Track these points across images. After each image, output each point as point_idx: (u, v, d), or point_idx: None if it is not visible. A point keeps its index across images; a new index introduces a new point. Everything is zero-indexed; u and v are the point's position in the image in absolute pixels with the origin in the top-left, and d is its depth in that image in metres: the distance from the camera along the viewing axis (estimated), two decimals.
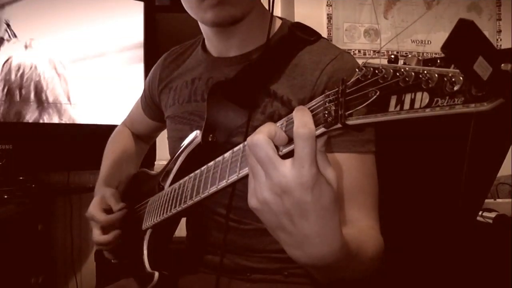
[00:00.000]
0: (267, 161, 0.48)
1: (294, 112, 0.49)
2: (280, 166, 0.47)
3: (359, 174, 0.78)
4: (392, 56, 0.39)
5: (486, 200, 1.79)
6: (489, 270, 1.38)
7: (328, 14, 2.65)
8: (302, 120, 0.47)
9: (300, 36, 0.86)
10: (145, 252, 0.84)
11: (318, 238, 0.48)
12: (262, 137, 0.48)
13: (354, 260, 0.58)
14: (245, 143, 0.55)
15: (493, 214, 1.69)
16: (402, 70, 0.36)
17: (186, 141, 0.86)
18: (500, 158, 0.91)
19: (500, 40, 2.80)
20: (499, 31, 2.81)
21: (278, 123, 0.52)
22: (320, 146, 0.48)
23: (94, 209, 0.97)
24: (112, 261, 1.02)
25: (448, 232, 0.94)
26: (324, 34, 2.58)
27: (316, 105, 0.48)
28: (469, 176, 0.88)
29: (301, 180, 0.46)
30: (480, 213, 1.68)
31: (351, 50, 2.57)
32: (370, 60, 0.41)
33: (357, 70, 0.42)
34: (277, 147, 0.49)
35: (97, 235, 0.96)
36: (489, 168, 0.93)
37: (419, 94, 0.35)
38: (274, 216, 0.49)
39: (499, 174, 0.96)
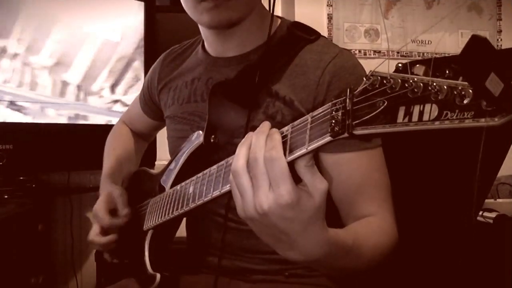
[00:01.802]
0: (245, 189, 0.52)
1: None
2: (257, 192, 0.51)
3: (369, 169, 0.79)
4: (400, 65, 0.38)
5: (486, 200, 1.80)
6: (489, 270, 1.39)
7: (328, 14, 2.64)
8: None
9: (299, 35, 0.86)
10: (147, 253, 0.84)
11: (304, 240, 0.53)
12: (239, 165, 0.52)
13: (350, 251, 0.62)
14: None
15: (493, 214, 1.70)
16: (411, 80, 0.36)
17: (187, 142, 0.86)
18: (500, 158, 0.91)
19: (501, 40, 2.80)
20: (500, 31, 2.80)
21: (284, 129, 0.53)
22: (306, 162, 0.51)
23: (100, 209, 0.95)
24: (113, 261, 1.02)
25: (448, 232, 0.94)
26: (325, 34, 2.57)
27: (323, 113, 0.48)
28: (469, 176, 0.88)
29: (280, 201, 0.49)
30: (480, 213, 1.68)
31: (351, 50, 2.57)
32: (378, 68, 0.41)
33: (364, 79, 0.41)
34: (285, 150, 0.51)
35: (94, 234, 0.95)
36: (489, 168, 0.93)
37: (428, 106, 0.34)
38: (263, 227, 0.54)
39: (499, 174, 0.96)
